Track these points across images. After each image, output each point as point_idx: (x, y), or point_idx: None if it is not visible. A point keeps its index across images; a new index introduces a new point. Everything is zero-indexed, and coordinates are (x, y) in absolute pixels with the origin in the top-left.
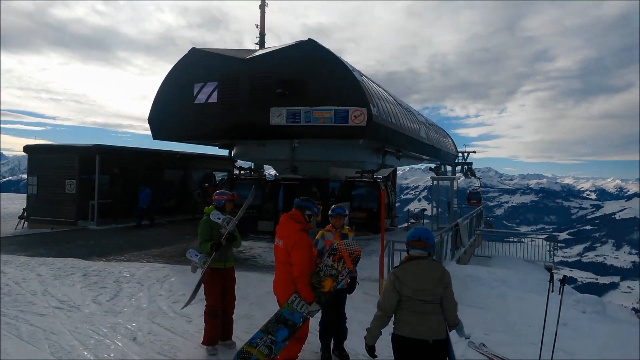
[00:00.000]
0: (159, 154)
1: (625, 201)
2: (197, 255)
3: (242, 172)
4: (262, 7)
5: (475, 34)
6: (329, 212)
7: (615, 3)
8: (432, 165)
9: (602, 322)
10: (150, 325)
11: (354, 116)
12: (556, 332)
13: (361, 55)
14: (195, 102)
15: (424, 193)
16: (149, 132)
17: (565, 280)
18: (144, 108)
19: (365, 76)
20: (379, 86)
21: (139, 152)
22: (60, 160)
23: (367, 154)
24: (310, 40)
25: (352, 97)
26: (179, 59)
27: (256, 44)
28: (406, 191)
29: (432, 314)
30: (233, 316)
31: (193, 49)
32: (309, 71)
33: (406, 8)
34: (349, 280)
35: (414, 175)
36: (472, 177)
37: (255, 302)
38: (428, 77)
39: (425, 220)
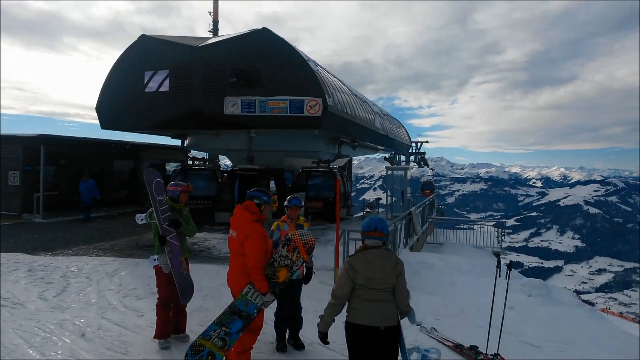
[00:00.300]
0: (108, 144)
1: (569, 189)
2: (155, 260)
3: (196, 162)
4: None
5: (428, 26)
6: (285, 202)
7: None
8: (387, 155)
9: (546, 305)
10: (99, 321)
11: (310, 106)
12: (503, 315)
13: (317, 45)
14: (146, 90)
15: (380, 182)
16: (98, 122)
17: (511, 266)
18: (92, 96)
19: (320, 66)
20: (334, 76)
21: (86, 142)
22: (2, 151)
23: (323, 143)
24: (264, 29)
25: (308, 87)
26: (128, 45)
27: (209, 31)
28: (362, 180)
29: (384, 302)
30: (186, 309)
31: (142, 35)
32: (264, 60)
33: None
34: (304, 270)
35: (369, 164)
36: (425, 167)
37: (210, 294)
38: (383, 68)
39: (380, 209)
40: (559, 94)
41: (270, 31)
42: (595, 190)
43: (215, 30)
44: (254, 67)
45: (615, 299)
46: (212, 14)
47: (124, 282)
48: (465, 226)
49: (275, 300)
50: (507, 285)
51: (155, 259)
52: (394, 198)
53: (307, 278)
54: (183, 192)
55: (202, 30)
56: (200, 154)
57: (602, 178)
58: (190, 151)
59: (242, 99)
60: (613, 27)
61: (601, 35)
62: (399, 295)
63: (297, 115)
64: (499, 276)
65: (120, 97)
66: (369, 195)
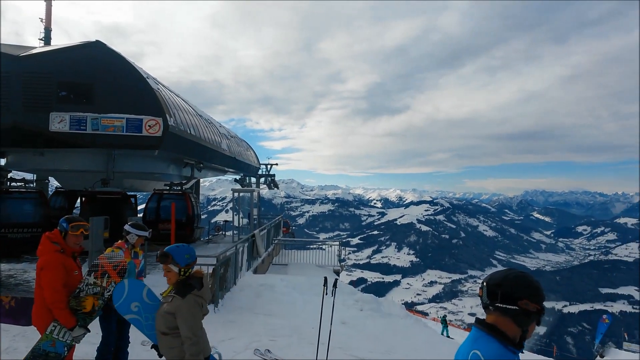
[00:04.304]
0: None
1: (404, 209)
2: None
3: (15, 184)
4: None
5: (277, 51)
6: (125, 228)
7: (394, 35)
8: (238, 177)
9: (376, 318)
10: None
11: (149, 126)
12: (330, 331)
13: (164, 61)
14: None
15: (231, 204)
16: None
17: (336, 284)
18: None
19: (162, 84)
20: (177, 96)
21: None
22: None
23: (167, 165)
24: (98, 42)
25: (147, 106)
26: None
27: (40, 39)
28: (214, 202)
29: None
30: None
31: None
32: (97, 75)
33: (210, 17)
34: None
35: (221, 186)
36: (275, 189)
37: (20, 333)
38: (233, 89)
39: (227, 232)
40: (394, 123)
41: (104, 44)
42: (425, 210)
43: (47, 39)
44: (86, 82)
45: (446, 308)
46: (43, 20)
47: None
48: (314, 246)
49: (102, 334)
50: (333, 302)
51: None
52: (245, 220)
53: None
54: None
55: (33, 37)
56: (27, 175)
57: (431, 199)
58: (9, 171)
59: (72, 115)
60: (438, 64)
61: (429, 71)
62: None
63: (135, 135)
64: (326, 294)
65: None
66: (222, 217)
